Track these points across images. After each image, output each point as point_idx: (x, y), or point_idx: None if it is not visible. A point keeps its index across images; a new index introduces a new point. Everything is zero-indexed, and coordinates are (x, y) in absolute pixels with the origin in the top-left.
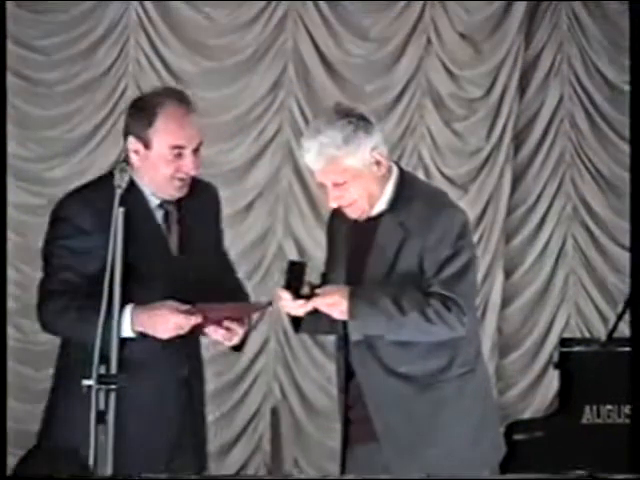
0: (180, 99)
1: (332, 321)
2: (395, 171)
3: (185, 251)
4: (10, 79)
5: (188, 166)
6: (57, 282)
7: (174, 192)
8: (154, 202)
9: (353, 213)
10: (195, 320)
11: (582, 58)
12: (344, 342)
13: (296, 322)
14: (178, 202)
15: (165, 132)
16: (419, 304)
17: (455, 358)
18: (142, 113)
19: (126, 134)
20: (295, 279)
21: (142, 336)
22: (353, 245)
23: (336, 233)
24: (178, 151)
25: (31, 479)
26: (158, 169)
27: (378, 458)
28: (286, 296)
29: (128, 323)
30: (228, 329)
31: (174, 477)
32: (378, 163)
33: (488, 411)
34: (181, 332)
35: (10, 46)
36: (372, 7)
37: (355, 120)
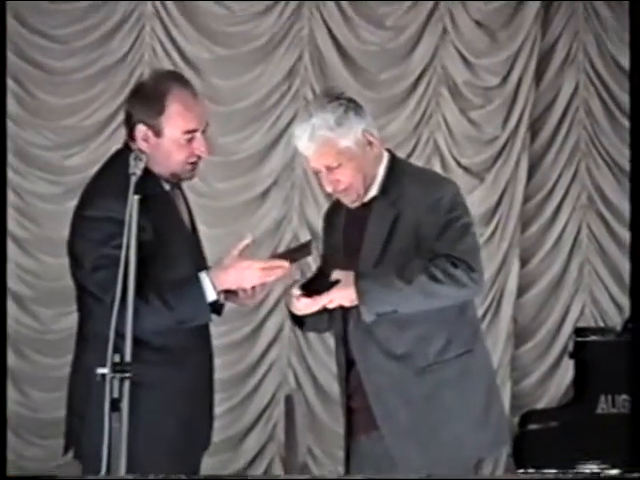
0: (184, 82)
1: (330, 318)
2: (386, 155)
3: (194, 229)
4: (27, 68)
5: (200, 148)
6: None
7: (187, 175)
8: (167, 187)
9: (348, 198)
10: (278, 268)
11: (598, 46)
12: (343, 331)
13: (299, 321)
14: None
15: (177, 117)
16: (424, 268)
17: (452, 339)
18: (150, 100)
19: (131, 122)
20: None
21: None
22: (347, 234)
23: (332, 225)
24: (191, 135)
25: (31, 479)
26: (171, 154)
27: (380, 446)
28: (305, 299)
29: (210, 287)
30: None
31: (175, 477)
32: (370, 144)
33: (492, 394)
34: (268, 279)
35: (27, 35)
36: None
37: (345, 102)
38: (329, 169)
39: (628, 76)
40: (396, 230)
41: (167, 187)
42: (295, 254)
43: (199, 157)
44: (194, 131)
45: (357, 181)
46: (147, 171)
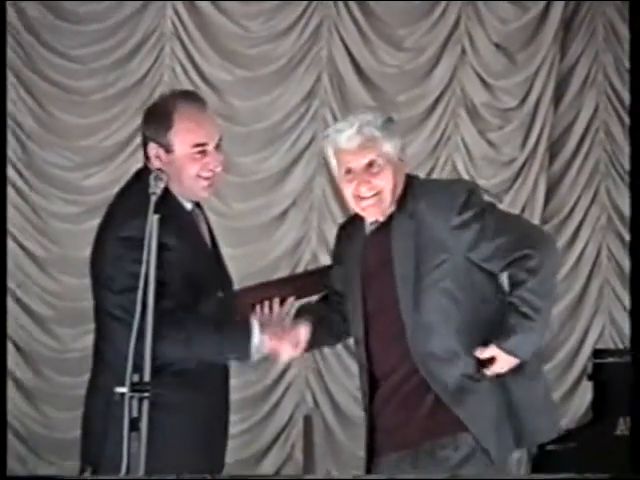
0: (193, 98)
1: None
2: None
3: (216, 249)
4: (47, 87)
5: (213, 163)
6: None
7: (202, 192)
8: (188, 206)
9: (374, 210)
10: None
11: (617, 67)
12: (365, 347)
13: None
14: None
15: (185, 131)
16: (521, 288)
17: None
18: (158, 118)
19: (145, 143)
20: None
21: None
22: (370, 258)
23: (346, 251)
24: (201, 149)
25: (31, 479)
26: (183, 170)
27: (397, 469)
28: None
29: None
30: None
31: (179, 478)
32: (402, 161)
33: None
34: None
35: (47, 55)
36: (407, 17)
37: (387, 117)
38: (367, 168)
39: (630, 102)
40: (421, 242)
41: (188, 207)
42: (313, 277)
43: (213, 172)
44: (204, 145)
45: (388, 190)
46: (168, 191)
